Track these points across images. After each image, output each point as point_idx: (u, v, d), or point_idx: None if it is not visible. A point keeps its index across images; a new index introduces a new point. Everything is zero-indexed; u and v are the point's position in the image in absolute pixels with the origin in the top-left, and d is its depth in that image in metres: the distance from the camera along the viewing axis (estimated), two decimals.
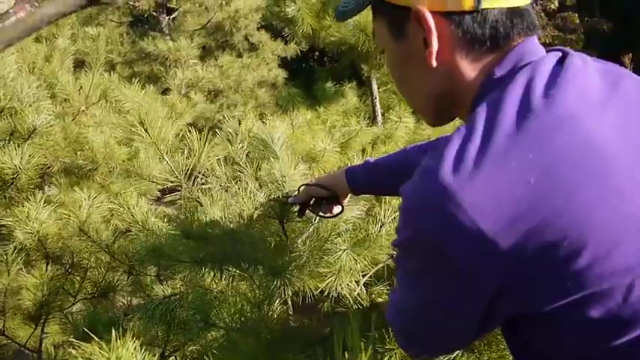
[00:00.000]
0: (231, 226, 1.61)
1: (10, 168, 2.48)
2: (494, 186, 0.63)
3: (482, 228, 0.62)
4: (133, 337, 1.06)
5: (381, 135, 3.51)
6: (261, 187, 1.58)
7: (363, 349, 0.95)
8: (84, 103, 3.23)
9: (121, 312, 2.45)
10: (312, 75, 7.96)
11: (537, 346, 0.73)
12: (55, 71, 3.28)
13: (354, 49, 4.08)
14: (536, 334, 0.71)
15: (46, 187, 3.09)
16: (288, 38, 5.68)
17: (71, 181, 3.06)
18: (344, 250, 1.41)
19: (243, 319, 1.59)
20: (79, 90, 3.23)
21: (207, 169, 1.75)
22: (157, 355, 2.05)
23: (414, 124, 3.81)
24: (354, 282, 1.44)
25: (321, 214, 1.36)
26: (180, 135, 1.81)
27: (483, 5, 0.73)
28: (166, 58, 7.24)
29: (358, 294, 1.44)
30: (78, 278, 2.47)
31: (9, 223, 2.40)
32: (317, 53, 10.14)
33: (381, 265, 1.49)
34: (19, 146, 2.54)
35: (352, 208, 1.52)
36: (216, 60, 7.82)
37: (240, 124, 1.76)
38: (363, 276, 1.46)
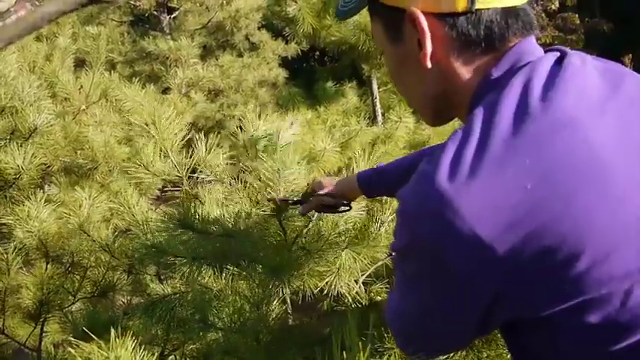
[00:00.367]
0: (231, 223, 1.61)
1: (12, 168, 2.48)
2: (491, 192, 0.63)
3: (479, 234, 0.62)
4: (132, 337, 1.07)
5: (381, 135, 3.51)
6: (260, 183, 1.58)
7: (361, 350, 0.95)
8: (84, 102, 3.24)
9: (121, 311, 2.46)
10: (312, 75, 7.97)
11: (536, 349, 0.73)
12: (56, 70, 3.28)
13: (355, 49, 4.08)
14: (534, 339, 0.71)
15: (46, 186, 3.09)
16: (288, 38, 5.69)
17: (71, 181, 3.06)
18: (344, 249, 1.41)
19: (242, 318, 1.59)
20: (80, 89, 3.23)
21: (210, 167, 1.75)
22: (157, 354, 2.06)
23: (414, 124, 3.81)
24: (353, 281, 1.44)
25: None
26: (183, 134, 1.82)
27: (477, 6, 0.72)
28: (167, 58, 7.23)
29: (357, 292, 1.44)
30: (78, 277, 2.47)
31: (9, 221, 2.40)
32: (317, 53, 10.14)
33: (380, 263, 1.49)
34: (21, 145, 2.54)
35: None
36: (217, 59, 7.82)
37: (242, 121, 1.76)
38: (362, 275, 1.46)
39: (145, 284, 2.44)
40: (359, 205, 1.54)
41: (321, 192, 1.34)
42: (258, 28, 8.36)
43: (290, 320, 1.72)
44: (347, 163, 3.11)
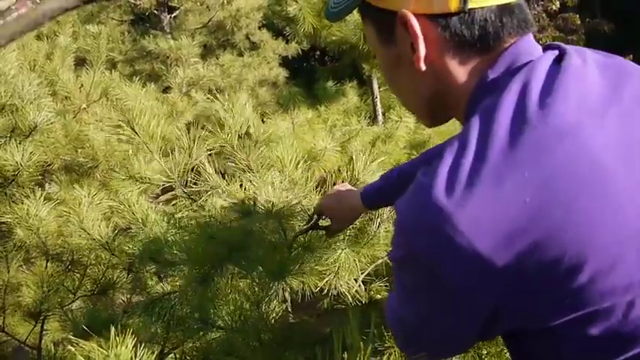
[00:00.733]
0: (229, 223, 1.61)
1: (11, 165, 2.48)
2: (490, 206, 0.61)
3: (478, 248, 0.61)
4: (131, 335, 1.06)
5: (382, 134, 3.51)
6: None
7: (363, 350, 0.95)
8: (85, 100, 3.24)
9: (121, 309, 2.46)
10: (313, 74, 7.98)
11: (539, 356, 0.72)
12: (56, 69, 3.28)
13: (355, 49, 4.08)
14: (537, 346, 0.71)
15: (46, 184, 3.09)
16: (289, 37, 5.69)
17: (71, 179, 3.06)
18: (343, 250, 1.41)
19: (242, 317, 1.59)
20: (80, 88, 3.23)
21: (202, 166, 1.73)
22: (156, 352, 2.06)
23: (414, 123, 3.81)
24: (352, 280, 1.44)
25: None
26: (176, 133, 1.80)
27: (470, 5, 0.70)
28: (167, 57, 7.23)
29: (357, 291, 1.44)
30: (78, 275, 2.48)
31: (9, 220, 2.40)
32: (318, 52, 10.14)
33: (380, 261, 1.49)
34: (20, 143, 2.54)
35: None
36: (217, 59, 7.82)
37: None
38: (362, 273, 1.46)
39: (145, 282, 2.44)
40: None
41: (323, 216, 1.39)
42: (259, 28, 8.36)
43: (290, 319, 1.72)
44: (347, 162, 3.12)
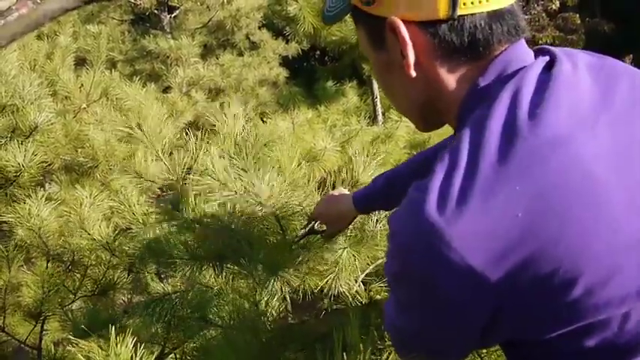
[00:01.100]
0: (231, 224, 1.61)
1: (12, 165, 2.49)
2: (483, 221, 0.61)
3: (471, 264, 0.61)
4: (131, 335, 1.07)
5: (382, 134, 3.51)
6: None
7: (362, 350, 0.95)
8: (85, 100, 3.24)
9: (121, 310, 2.46)
10: (313, 74, 7.98)
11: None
12: (57, 69, 3.28)
13: (355, 49, 4.08)
14: (534, 352, 0.71)
15: (46, 184, 3.09)
16: (289, 37, 5.70)
17: (72, 179, 3.06)
18: (344, 249, 1.41)
19: (242, 317, 1.59)
20: (80, 88, 3.23)
21: (205, 168, 1.74)
22: (157, 352, 2.06)
23: None
24: (352, 280, 1.44)
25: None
26: (179, 134, 1.82)
27: (459, 12, 0.69)
28: (167, 57, 7.23)
29: (357, 291, 1.44)
30: (78, 276, 2.48)
31: (10, 219, 2.40)
32: (318, 52, 10.15)
33: (380, 261, 1.49)
34: (21, 143, 2.55)
35: None
36: (218, 58, 7.82)
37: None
38: (363, 273, 1.47)
39: (146, 283, 2.44)
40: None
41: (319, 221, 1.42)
42: (259, 28, 8.37)
43: (290, 319, 1.72)
44: (347, 162, 3.12)
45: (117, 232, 2.29)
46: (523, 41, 0.74)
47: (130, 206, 2.00)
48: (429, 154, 1.22)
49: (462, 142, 0.66)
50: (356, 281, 1.47)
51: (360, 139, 3.22)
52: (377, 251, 1.46)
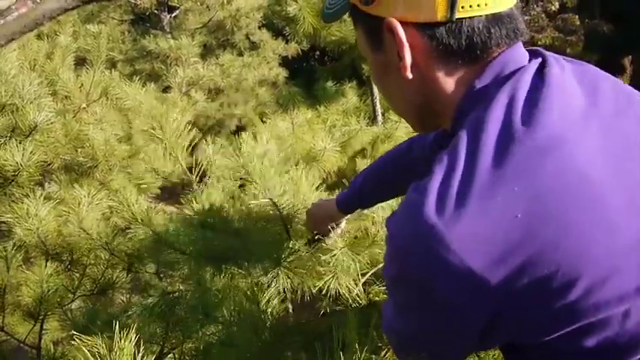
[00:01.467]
0: (236, 223, 1.62)
1: (11, 165, 2.48)
2: (482, 224, 0.61)
3: (471, 266, 0.61)
4: (131, 334, 1.06)
5: (381, 135, 3.51)
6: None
7: (361, 349, 0.95)
8: (85, 100, 3.23)
9: (120, 309, 2.46)
10: (312, 74, 7.96)
11: None
12: (57, 68, 3.28)
13: (355, 49, 4.08)
14: (534, 354, 0.71)
15: (46, 183, 3.09)
16: (289, 37, 5.68)
17: (71, 178, 3.06)
18: (340, 249, 1.41)
19: (241, 316, 1.60)
20: (80, 87, 3.23)
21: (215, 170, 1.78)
22: (156, 352, 2.06)
23: None
24: (352, 281, 1.44)
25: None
26: (191, 138, 1.84)
27: (457, 15, 0.69)
28: (167, 57, 7.23)
29: (357, 294, 1.45)
30: (77, 275, 2.47)
31: (9, 219, 2.40)
32: (318, 52, 10.13)
33: (380, 265, 1.49)
34: (20, 143, 2.54)
35: None
36: (217, 58, 7.82)
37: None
38: (363, 275, 1.47)
39: (145, 282, 2.44)
40: None
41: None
42: (259, 28, 8.36)
43: (290, 319, 1.73)
44: (346, 162, 3.12)
45: (116, 231, 2.29)
46: (520, 43, 0.75)
47: (129, 206, 2.00)
48: (402, 147, 1.24)
49: (459, 145, 0.66)
50: (356, 284, 1.47)
51: (359, 139, 3.22)
52: (378, 254, 1.46)
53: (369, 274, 1.48)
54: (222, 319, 1.62)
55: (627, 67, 9.93)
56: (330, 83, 6.40)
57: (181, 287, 1.88)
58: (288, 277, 1.47)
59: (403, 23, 0.71)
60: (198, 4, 8.02)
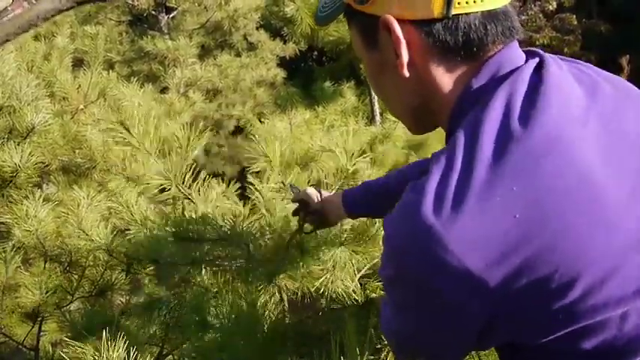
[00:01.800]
0: (226, 226, 1.61)
1: (9, 166, 2.48)
2: (480, 224, 0.61)
3: (469, 267, 0.61)
4: (125, 337, 1.06)
5: (379, 134, 3.52)
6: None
7: (360, 351, 0.95)
8: (82, 101, 3.23)
9: (119, 311, 2.45)
10: (310, 74, 7.97)
11: None
12: (54, 70, 3.27)
13: (353, 49, 4.08)
14: (531, 355, 0.70)
15: (44, 185, 3.09)
16: (286, 38, 5.69)
17: (69, 180, 3.05)
18: (339, 247, 1.42)
19: (239, 317, 1.59)
20: (78, 88, 3.22)
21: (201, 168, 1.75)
22: (155, 353, 2.06)
23: None
24: (349, 279, 1.44)
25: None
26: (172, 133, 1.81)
27: (454, 11, 0.68)
28: (165, 57, 7.23)
29: (353, 290, 1.45)
30: (76, 276, 2.47)
31: (7, 221, 2.39)
32: (316, 53, 10.14)
33: (376, 260, 1.49)
34: (18, 144, 2.54)
35: None
36: (215, 59, 7.83)
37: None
38: (360, 273, 1.47)
39: (144, 284, 2.44)
40: None
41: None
42: (257, 28, 8.37)
43: (287, 319, 1.72)
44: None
45: (115, 233, 2.29)
46: (516, 43, 0.74)
47: (127, 207, 2.00)
48: (406, 170, 1.24)
49: (457, 144, 0.65)
50: (352, 280, 1.47)
51: (357, 139, 3.22)
52: (374, 251, 1.46)
53: (365, 268, 1.48)
54: (219, 322, 1.62)
55: (625, 66, 9.94)
56: (328, 83, 6.39)
57: (179, 289, 1.88)
58: (285, 286, 1.47)
59: (399, 20, 0.71)
60: (196, 5, 8.02)
